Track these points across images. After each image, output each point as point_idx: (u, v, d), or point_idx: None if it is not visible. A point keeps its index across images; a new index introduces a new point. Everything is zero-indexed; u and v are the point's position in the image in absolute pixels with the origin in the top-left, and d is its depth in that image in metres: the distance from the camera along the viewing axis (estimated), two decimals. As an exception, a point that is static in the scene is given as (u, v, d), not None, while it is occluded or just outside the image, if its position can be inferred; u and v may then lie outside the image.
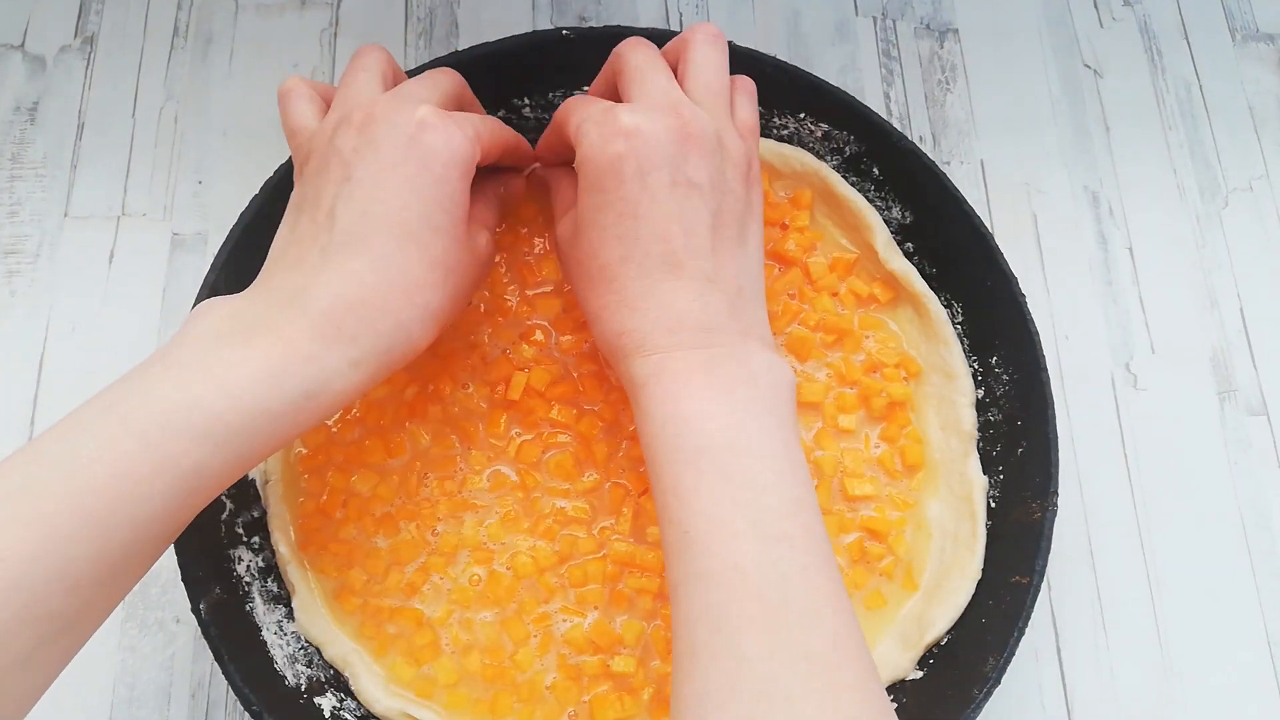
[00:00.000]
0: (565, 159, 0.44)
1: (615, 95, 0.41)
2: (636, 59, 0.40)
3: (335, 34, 0.58)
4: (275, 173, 0.46)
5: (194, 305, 0.43)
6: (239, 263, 0.44)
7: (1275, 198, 0.57)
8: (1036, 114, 0.58)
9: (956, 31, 0.59)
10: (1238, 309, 0.55)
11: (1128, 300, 0.55)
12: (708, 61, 0.40)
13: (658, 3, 0.59)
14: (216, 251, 0.44)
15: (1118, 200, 0.56)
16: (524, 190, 0.47)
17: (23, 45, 0.57)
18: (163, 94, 0.56)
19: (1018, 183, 0.57)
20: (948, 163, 0.57)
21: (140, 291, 0.53)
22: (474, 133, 0.38)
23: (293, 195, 0.40)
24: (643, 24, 0.58)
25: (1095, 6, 0.60)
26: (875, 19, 0.59)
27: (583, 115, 0.38)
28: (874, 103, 0.57)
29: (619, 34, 0.47)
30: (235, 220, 0.45)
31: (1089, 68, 0.59)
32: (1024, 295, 0.45)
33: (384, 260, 0.35)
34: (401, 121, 0.36)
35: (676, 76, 0.40)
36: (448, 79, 0.41)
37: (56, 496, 0.30)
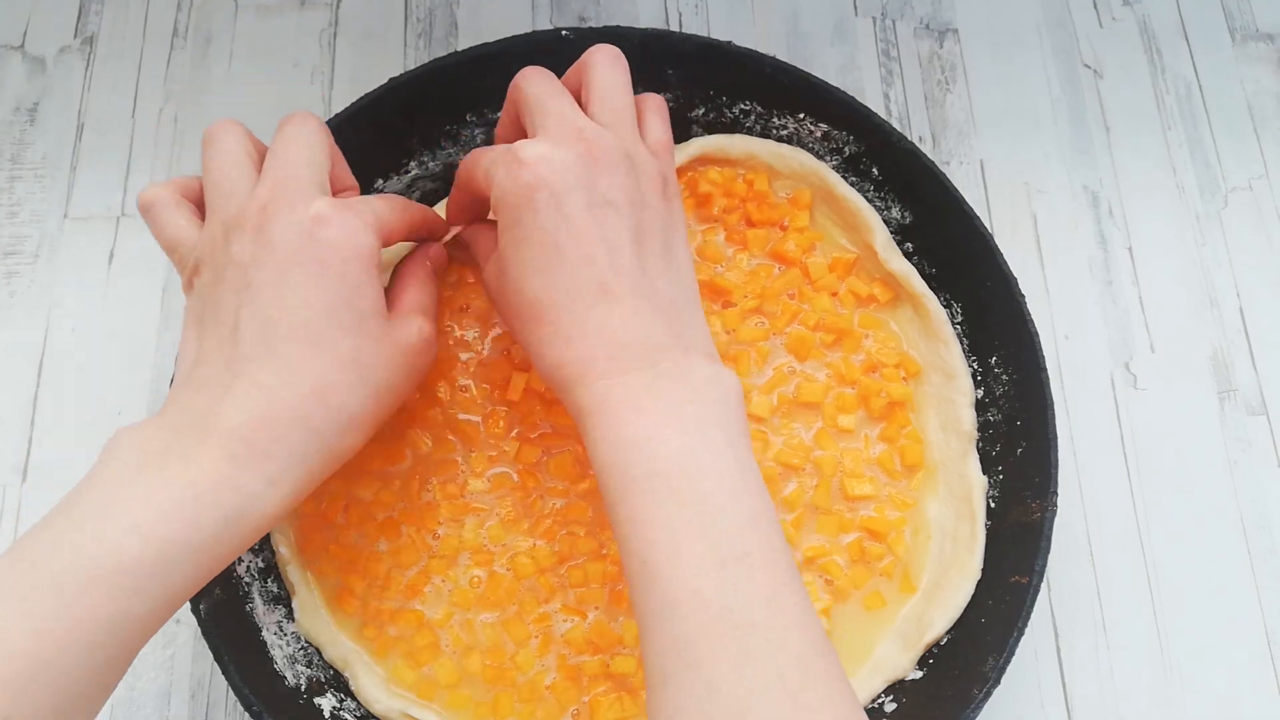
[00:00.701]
0: (479, 215, 0.43)
1: (521, 132, 0.40)
2: (534, 90, 0.39)
3: (335, 34, 0.58)
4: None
5: None
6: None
7: (1275, 197, 0.57)
8: (1036, 114, 0.58)
9: (956, 31, 0.59)
10: (1237, 308, 0.55)
11: (1127, 300, 0.55)
12: (608, 83, 0.39)
13: (657, 3, 0.59)
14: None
15: (1117, 200, 0.56)
16: (445, 258, 0.45)
17: (22, 46, 0.57)
18: (162, 94, 0.56)
19: (1017, 182, 0.56)
20: (947, 163, 0.57)
21: (140, 292, 0.53)
22: (374, 219, 0.37)
23: (188, 309, 0.38)
24: (643, 23, 0.58)
25: (1095, 6, 0.60)
26: (875, 19, 0.59)
27: (488, 160, 0.38)
28: (874, 103, 0.57)
29: (618, 34, 0.47)
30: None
31: (1089, 68, 0.59)
32: (1023, 295, 0.45)
33: (290, 368, 0.34)
34: (296, 219, 0.35)
35: (580, 102, 0.39)
36: (315, 135, 0.38)
37: None
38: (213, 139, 0.38)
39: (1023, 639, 0.41)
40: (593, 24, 0.58)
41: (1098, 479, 0.51)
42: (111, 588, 0.30)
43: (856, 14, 0.60)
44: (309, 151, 0.37)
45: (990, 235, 0.47)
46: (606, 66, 0.39)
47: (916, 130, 0.57)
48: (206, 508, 0.32)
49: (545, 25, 0.58)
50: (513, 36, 0.47)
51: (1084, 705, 0.48)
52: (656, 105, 0.42)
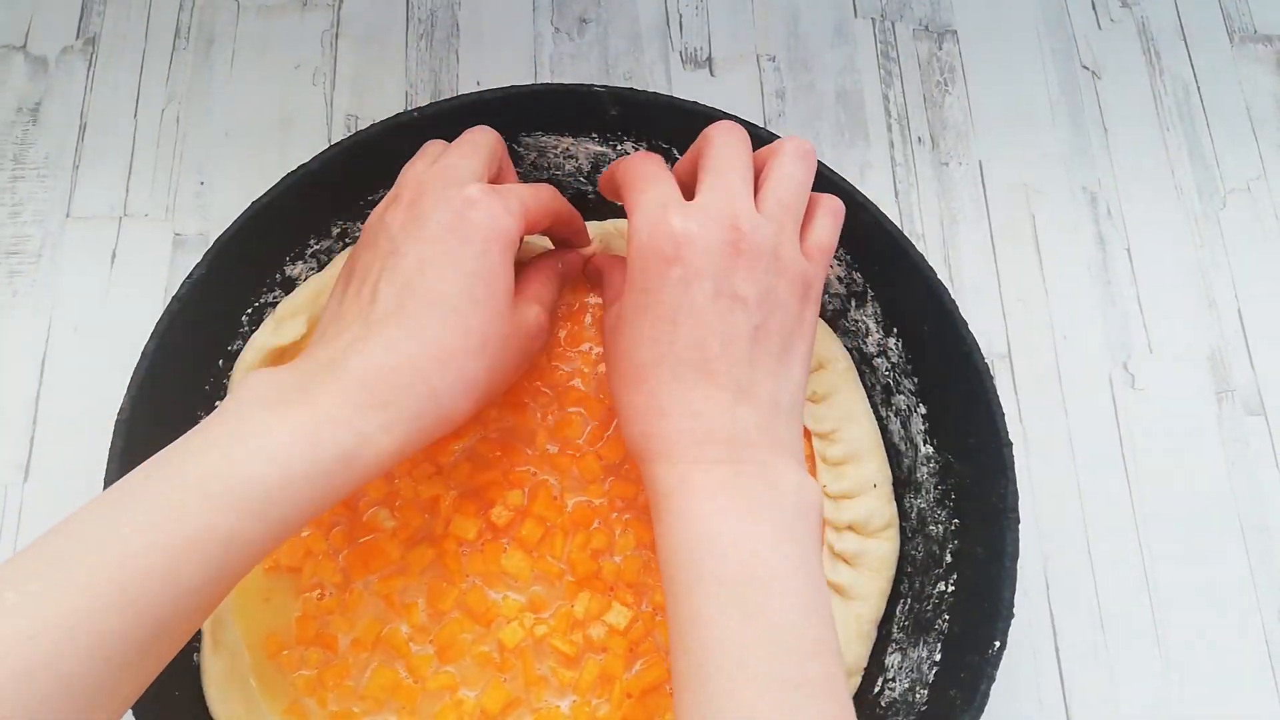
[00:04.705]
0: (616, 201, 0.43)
1: (693, 175, 0.40)
2: (719, 152, 0.39)
3: (336, 35, 0.58)
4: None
5: (175, 294, 0.44)
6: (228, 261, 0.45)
7: (1273, 198, 0.57)
8: (1035, 115, 0.58)
9: (955, 33, 0.59)
10: (1235, 309, 0.55)
11: (1126, 300, 0.55)
12: (787, 175, 0.39)
13: (657, 3, 0.59)
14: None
15: (1116, 201, 0.57)
16: (581, 268, 0.47)
17: (25, 46, 0.57)
18: (164, 95, 0.57)
19: (1016, 183, 0.57)
20: (945, 163, 0.57)
21: (142, 292, 0.53)
22: (518, 207, 0.38)
23: (341, 272, 0.41)
24: (643, 23, 0.59)
25: (1093, 8, 0.60)
26: (874, 20, 0.60)
27: (640, 201, 0.38)
28: (873, 105, 0.58)
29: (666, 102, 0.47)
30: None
31: (1087, 69, 0.59)
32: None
33: (420, 329, 0.36)
34: (449, 198, 0.38)
35: (757, 181, 0.40)
36: (485, 142, 0.42)
37: (92, 568, 0.29)
38: (421, 150, 0.43)
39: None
40: (594, 25, 0.58)
41: (1096, 479, 0.51)
42: (228, 506, 0.31)
43: (856, 15, 0.60)
44: (472, 150, 0.41)
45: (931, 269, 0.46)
46: (793, 159, 0.39)
47: (915, 131, 0.57)
48: (325, 443, 0.34)
49: (546, 27, 0.58)
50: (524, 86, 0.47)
51: (1082, 704, 0.48)
52: (831, 208, 0.42)
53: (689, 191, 0.39)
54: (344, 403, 0.34)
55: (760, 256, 0.37)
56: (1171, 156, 0.58)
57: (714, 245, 0.36)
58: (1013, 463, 0.42)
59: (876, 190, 0.56)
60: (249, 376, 0.36)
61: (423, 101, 0.56)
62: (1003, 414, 0.43)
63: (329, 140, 0.56)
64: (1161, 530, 0.51)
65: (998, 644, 0.40)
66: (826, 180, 0.45)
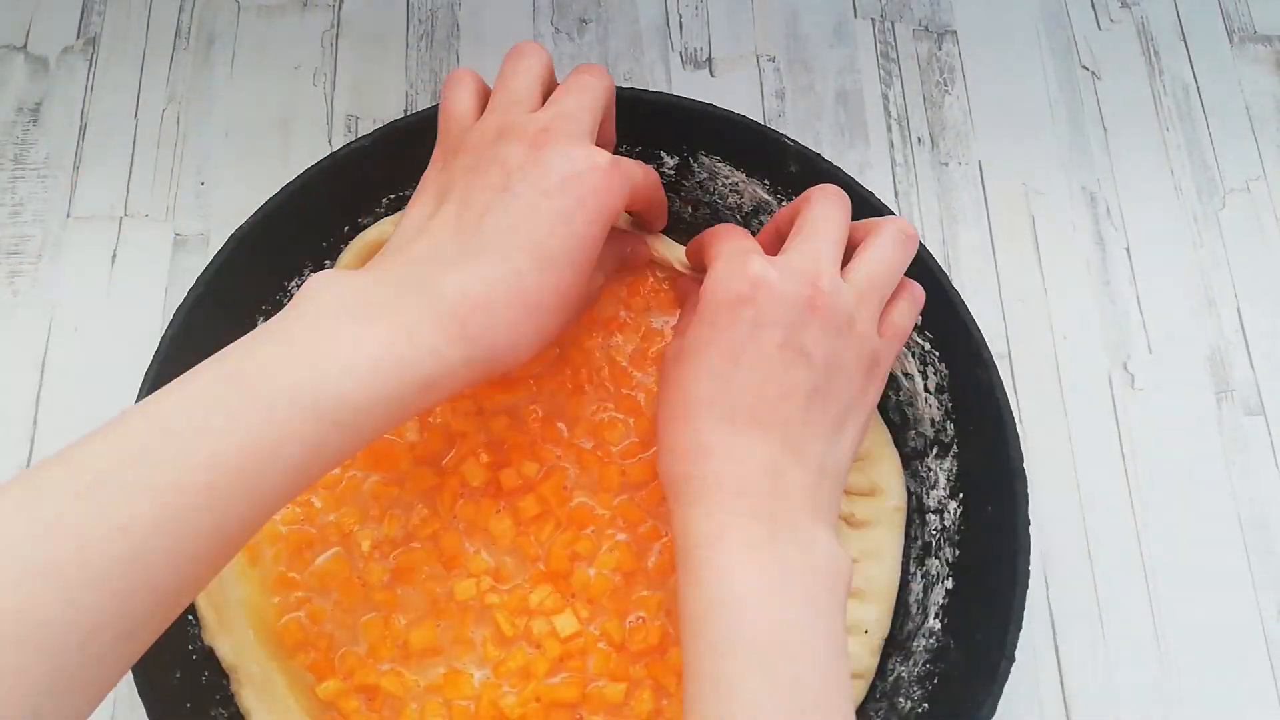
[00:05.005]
0: (702, 271, 0.43)
1: (782, 237, 0.40)
2: (815, 215, 0.39)
3: (337, 35, 0.58)
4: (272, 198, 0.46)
5: (181, 305, 0.44)
6: (235, 267, 0.45)
7: (1272, 198, 0.57)
8: (1034, 115, 0.58)
9: (955, 33, 0.60)
10: (1235, 309, 0.55)
11: (1125, 300, 0.55)
12: (880, 257, 0.39)
13: (657, 5, 0.60)
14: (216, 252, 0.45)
15: (1115, 201, 0.57)
16: (644, 261, 0.47)
17: (25, 46, 0.57)
18: (165, 95, 0.57)
19: (1016, 184, 0.57)
20: (945, 164, 0.57)
21: (142, 292, 0.53)
22: (631, 186, 0.38)
23: (429, 180, 0.40)
24: (643, 24, 0.59)
25: (1093, 8, 0.61)
26: (874, 20, 0.60)
27: (722, 248, 0.39)
28: (872, 105, 0.58)
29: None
30: (238, 223, 0.45)
31: (1087, 69, 0.59)
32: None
33: (518, 275, 0.36)
34: (575, 156, 0.37)
35: (852, 253, 0.40)
36: (603, 94, 0.40)
37: (181, 468, 0.30)
38: (520, 53, 0.41)
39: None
40: (594, 25, 0.58)
41: (1095, 478, 0.51)
42: (318, 417, 0.31)
43: (855, 16, 0.60)
44: (593, 99, 0.39)
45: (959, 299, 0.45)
46: (891, 242, 0.40)
47: (915, 131, 0.57)
48: (414, 368, 0.33)
49: (546, 27, 0.59)
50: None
51: (1082, 703, 0.48)
52: (915, 295, 0.42)
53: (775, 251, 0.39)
54: (435, 329, 0.34)
55: (834, 319, 0.37)
56: (1171, 156, 0.58)
57: (790, 296, 0.36)
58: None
59: (876, 191, 0.56)
60: (319, 278, 0.35)
61: (424, 103, 0.56)
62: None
63: (329, 141, 0.56)
64: (1161, 530, 0.51)
65: None
66: (866, 203, 0.45)
